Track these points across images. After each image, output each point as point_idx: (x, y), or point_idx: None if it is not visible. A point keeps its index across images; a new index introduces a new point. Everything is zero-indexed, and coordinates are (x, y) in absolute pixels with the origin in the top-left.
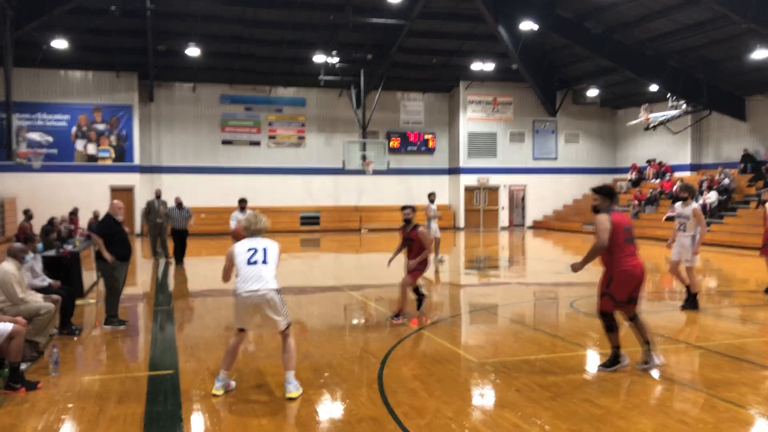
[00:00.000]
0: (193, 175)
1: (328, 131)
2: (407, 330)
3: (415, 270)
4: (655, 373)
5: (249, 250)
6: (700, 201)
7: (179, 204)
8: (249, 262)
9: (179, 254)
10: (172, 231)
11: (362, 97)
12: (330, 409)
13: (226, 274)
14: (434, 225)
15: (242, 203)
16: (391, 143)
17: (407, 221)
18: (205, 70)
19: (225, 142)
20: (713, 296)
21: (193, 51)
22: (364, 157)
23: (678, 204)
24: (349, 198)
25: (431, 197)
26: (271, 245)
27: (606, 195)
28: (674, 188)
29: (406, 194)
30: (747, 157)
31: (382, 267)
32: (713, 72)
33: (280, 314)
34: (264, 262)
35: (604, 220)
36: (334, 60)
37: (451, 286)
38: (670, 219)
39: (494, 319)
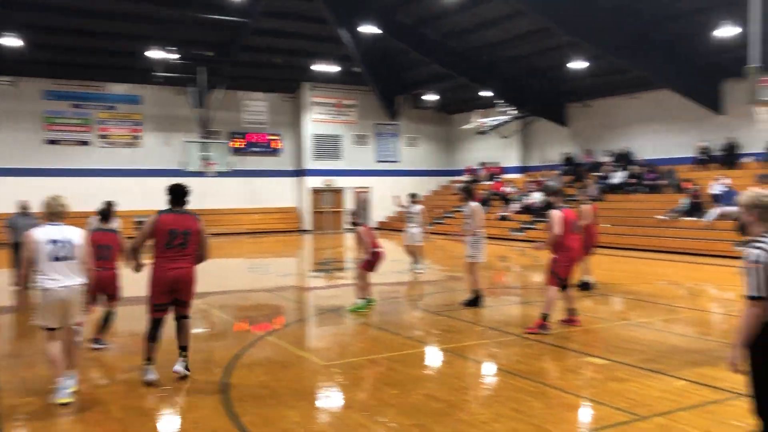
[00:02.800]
0: (13, 177)
1: (167, 131)
2: (252, 337)
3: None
4: (491, 367)
5: (53, 242)
6: (527, 201)
7: (24, 210)
8: (56, 258)
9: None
10: (15, 244)
11: (203, 95)
12: (171, 423)
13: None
14: (413, 230)
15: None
16: (234, 144)
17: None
18: (26, 63)
19: (50, 142)
20: (541, 290)
21: (12, 41)
22: (205, 158)
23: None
24: (191, 201)
25: (411, 198)
26: (75, 235)
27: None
28: (504, 189)
29: (250, 196)
30: (568, 160)
31: (226, 273)
32: (538, 80)
33: (78, 312)
34: (70, 256)
35: (556, 214)
36: (173, 56)
37: (298, 290)
38: (503, 218)
39: (341, 321)
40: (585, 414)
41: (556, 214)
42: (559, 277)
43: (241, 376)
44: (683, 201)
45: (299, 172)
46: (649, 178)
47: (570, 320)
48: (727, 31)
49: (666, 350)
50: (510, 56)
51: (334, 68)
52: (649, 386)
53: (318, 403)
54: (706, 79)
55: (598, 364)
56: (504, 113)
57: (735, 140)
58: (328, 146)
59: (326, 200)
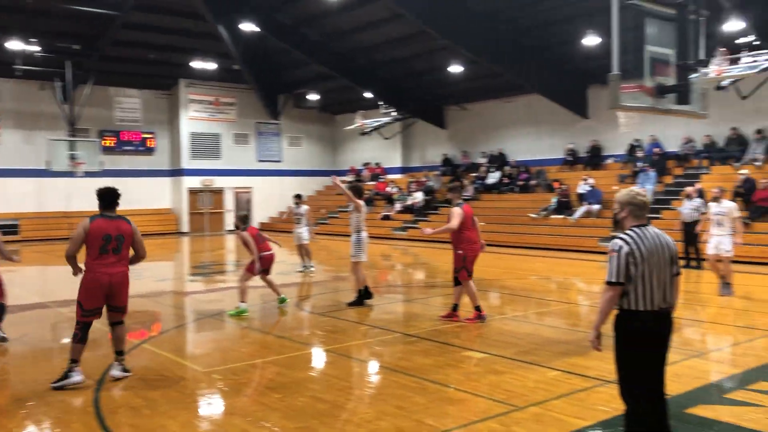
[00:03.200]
0: None
1: (29, 128)
2: (127, 346)
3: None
4: (375, 366)
5: None
6: (408, 201)
7: None
8: None
9: None
10: None
11: (70, 91)
12: None
13: None
14: (301, 230)
15: None
16: (105, 142)
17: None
18: None
19: None
20: (423, 288)
21: None
22: (73, 157)
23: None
24: (57, 203)
25: (296, 199)
26: None
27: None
28: (387, 189)
29: (124, 197)
30: (446, 161)
31: None
32: (417, 82)
33: None
34: None
35: (456, 210)
36: (35, 48)
37: (175, 295)
38: (385, 218)
39: (222, 326)
40: (465, 407)
41: (457, 211)
42: (469, 271)
43: (114, 387)
44: (553, 200)
45: (176, 172)
46: (522, 178)
47: (449, 315)
48: (592, 40)
49: (540, 342)
50: (390, 59)
51: (212, 65)
52: (524, 377)
53: (198, 412)
54: (574, 85)
55: (478, 357)
56: (385, 115)
57: (599, 143)
58: (206, 145)
59: (205, 201)
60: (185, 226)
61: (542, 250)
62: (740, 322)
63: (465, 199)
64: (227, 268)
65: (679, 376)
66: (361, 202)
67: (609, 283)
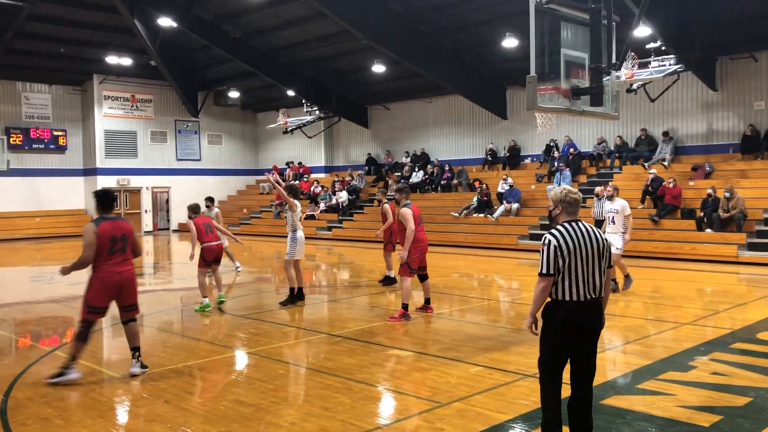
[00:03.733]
0: None
1: None
2: (37, 353)
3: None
4: (299, 367)
5: None
6: (333, 201)
7: None
8: None
9: None
10: None
11: None
12: None
13: None
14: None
15: None
16: (11, 140)
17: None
18: None
19: None
20: (347, 288)
21: None
22: None
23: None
24: None
25: (208, 202)
26: None
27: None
28: (312, 188)
29: (33, 198)
30: (370, 161)
31: (3, 284)
32: (341, 82)
33: None
34: None
35: (406, 211)
36: None
37: None
38: (310, 217)
39: (140, 331)
40: (390, 405)
41: (406, 212)
42: (411, 268)
43: (24, 396)
44: (474, 199)
45: (90, 171)
46: (444, 177)
47: (425, 308)
48: (511, 42)
49: (462, 339)
50: (313, 57)
51: (127, 61)
52: (448, 374)
53: (116, 420)
54: (493, 87)
55: (402, 356)
56: (309, 113)
57: (518, 143)
58: (122, 143)
59: (121, 201)
60: None
61: (464, 248)
62: (650, 315)
63: (389, 199)
64: (144, 271)
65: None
66: (296, 202)
67: (540, 274)
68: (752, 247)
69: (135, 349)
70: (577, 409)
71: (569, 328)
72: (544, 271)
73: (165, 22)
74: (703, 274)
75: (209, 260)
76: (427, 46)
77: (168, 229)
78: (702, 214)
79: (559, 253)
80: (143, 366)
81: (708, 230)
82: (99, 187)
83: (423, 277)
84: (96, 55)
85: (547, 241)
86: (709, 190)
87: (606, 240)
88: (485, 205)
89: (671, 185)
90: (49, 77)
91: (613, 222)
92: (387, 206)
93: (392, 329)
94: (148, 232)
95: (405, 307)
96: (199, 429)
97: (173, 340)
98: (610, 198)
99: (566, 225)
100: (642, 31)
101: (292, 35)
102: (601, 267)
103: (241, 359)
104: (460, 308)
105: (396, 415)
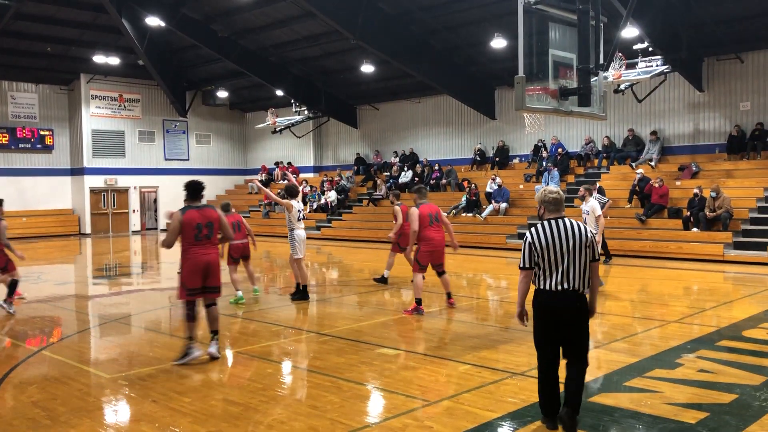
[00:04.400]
0: None
1: None
2: (24, 353)
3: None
4: (288, 366)
5: None
6: (322, 200)
7: None
8: None
9: None
10: None
11: None
12: None
13: None
14: None
15: None
16: None
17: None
18: None
19: None
20: (336, 286)
21: None
22: None
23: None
24: None
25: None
26: None
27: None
28: (300, 188)
29: (19, 198)
30: (359, 160)
31: None
32: (329, 81)
33: None
34: None
35: (414, 212)
36: None
37: (78, 299)
38: None
39: (128, 330)
40: (379, 404)
41: (413, 212)
42: (421, 265)
43: (10, 397)
44: (463, 199)
45: (77, 171)
46: (433, 177)
47: (447, 301)
48: (499, 43)
49: (451, 337)
50: (302, 57)
51: (115, 60)
52: (437, 372)
53: (103, 420)
54: (482, 87)
55: (391, 354)
56: (297, 113)
57: (506, 143)
58: (109, 143)
59: (108, 201)
60: (87, 228)
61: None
62: (637, 313)
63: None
64: (132, 271)
65: None
66: (292, 202)
67: (521, 268)
68: (738, 246)
69: (214, 332)
70: (568, 389)
71: (545, 312)
72: (521, 265)
73: (153, 21)
74: (690, 273)
75: (236, 257)
76: (416, 46)
77: (156, 228)
78: (688, 213)
79: (533, 248)
80: (218, 351)
81: (694, 229)
82: (87, 187)
83: (440, 274)
84: (83, 54)
85: (525, 238)
86: (696, 190)
87: (587, 235)
88: (474, 205)
89: (658, 185)
90: (36, 76)
91: (585, 222)
92: (398, 208)
93: (381, 327)
94: (135, 232)
95: (418, 301)
96: (188, 428)
97: (161, 339)
98: (583, 198)
99: (546, 222)
100: (629, 32)
101: (280, 35)
102: (580, 260)
103: (230, 358)
104: (449, 307)
105: (385, 413)
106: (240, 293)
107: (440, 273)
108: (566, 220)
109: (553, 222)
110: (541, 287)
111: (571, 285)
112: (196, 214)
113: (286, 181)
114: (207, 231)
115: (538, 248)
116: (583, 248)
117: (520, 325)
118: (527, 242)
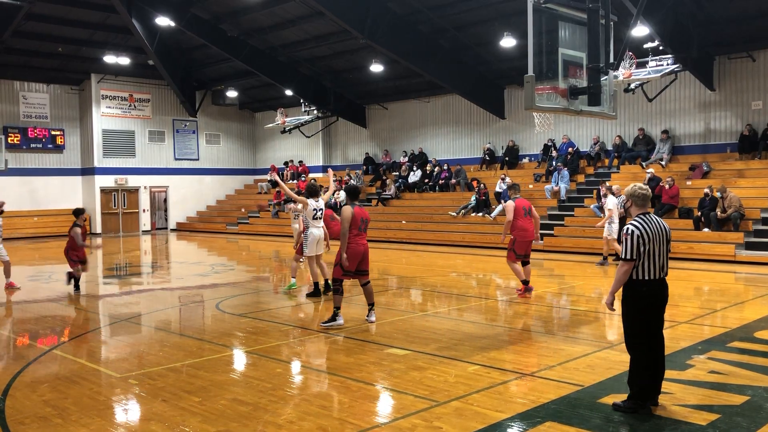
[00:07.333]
0: None
1: None
2: (35, 352)
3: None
4: (297, 366)
5: None
6: (332, 200)
7: None
8: None
9: None
10: None
11: None
12: None
13: None
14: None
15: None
16: (9, 139)
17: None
18: None
19: None
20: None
21: None
22: None
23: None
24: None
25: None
26: None
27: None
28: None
29: (30, 197)
30: (368, 160)
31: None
32: (338, 81)
33: None
34: None
35: (510, 204)
36: None
37: (89, 298)
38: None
39: (138, 329)
40: (388, 404)
41: (509, 204)
42: (517, 254)
43: (22, 396)
44: (472, 198)
45: (88, 171)
46: (442, 177)
47: (523, 290)
48: (509, 42)
49: (460, 338)
50: (311, 56)
51: (125, 60)
52: (446, 372)
53: (114, 419)
54: (491, 86)
55: (400, 354)
56: (307, 113)
57: (515, 143)
58: (120, 142)
59: (118, 200)
60: (98, 227)
61: (461, 248)
62: None
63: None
64: (142, 270)
65: (592, 368)
66: (309, 200)
67: (624, 259)
68: (750, 246)
69: (371, 304)
70: (656, 369)
71: (655, 299)
72: (628, 257)
73: (163, 21)
74: (701, 273)
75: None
76: (425, 45)
77: (166, 228)
78: (699, 213)
79: (641, 240)
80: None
81: (705, 229)
82: (98, 187)
83: (524, 263)
84: (94, 55)
85: (630, 231)
86: (707, 190)
87: (669, 229)
88: (483, 205)
89: (668, 185)
90: (47, 76)
91: (612, 220)
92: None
93: (389, 327)
94: (146, 232)
95: (525, 282)
96: (197, 428)
97: (171, 339)
98: (604, 196)
99: (642, 216)
100: (640, 30)
101: (290, 34)
102: (668, 251)
103: (239, 358)
104: (458, 307)
105: (394, 413)
106: (294, 281)
107: (525, 263)
108: (654, 215)
109: (648, 216)
110: (646, 278)
111: (666, 273)
112: (360, 211)
113: (295, 181)
114: (364, 225)
115: (646, 240)
116: (668, 241)
117: (609, 309)
118: (635, 235)
